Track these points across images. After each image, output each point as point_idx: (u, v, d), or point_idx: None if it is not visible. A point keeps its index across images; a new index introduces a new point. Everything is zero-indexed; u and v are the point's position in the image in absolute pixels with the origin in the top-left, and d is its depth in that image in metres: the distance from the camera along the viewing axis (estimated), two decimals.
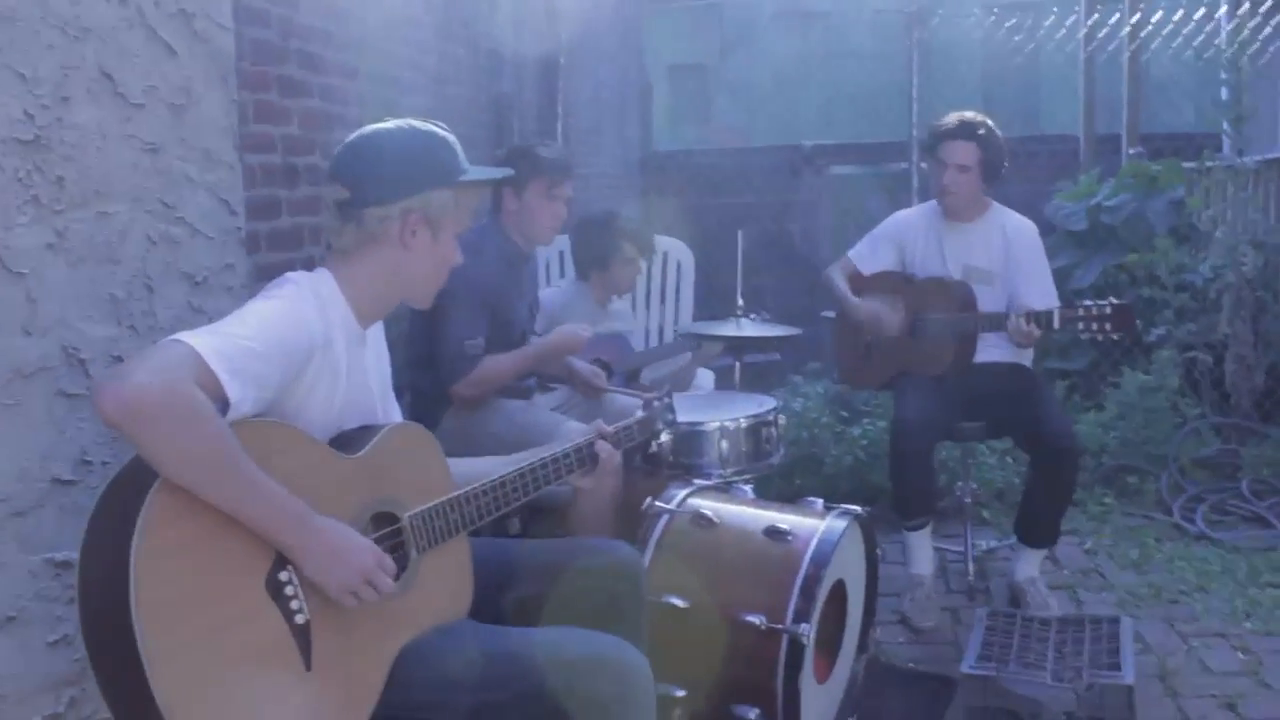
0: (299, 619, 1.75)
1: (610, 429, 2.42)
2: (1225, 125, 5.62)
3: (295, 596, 1.75)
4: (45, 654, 2.09)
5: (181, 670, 1.58)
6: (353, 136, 2.08)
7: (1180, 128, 8.86)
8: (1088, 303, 3.58)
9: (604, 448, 2.36)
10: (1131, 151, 7.00)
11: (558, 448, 2.31)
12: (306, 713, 1.75)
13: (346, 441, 1.97)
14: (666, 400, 2.65)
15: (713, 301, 5.06)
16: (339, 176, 2.04)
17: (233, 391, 1.70)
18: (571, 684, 1.91)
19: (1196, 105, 7.57)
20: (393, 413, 2.25)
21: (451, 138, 2.10)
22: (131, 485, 1.63)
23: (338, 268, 2.04)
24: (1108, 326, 3.49)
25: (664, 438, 2.63)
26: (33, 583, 2.06)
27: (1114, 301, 3.54)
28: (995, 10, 7.87)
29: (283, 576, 1.74)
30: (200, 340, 1.70)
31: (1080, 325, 3.53)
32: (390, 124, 2.08)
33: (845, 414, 5.24)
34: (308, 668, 1.76)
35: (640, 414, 2.56)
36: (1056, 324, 3.54)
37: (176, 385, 1.61)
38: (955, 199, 3.84)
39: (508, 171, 2.35)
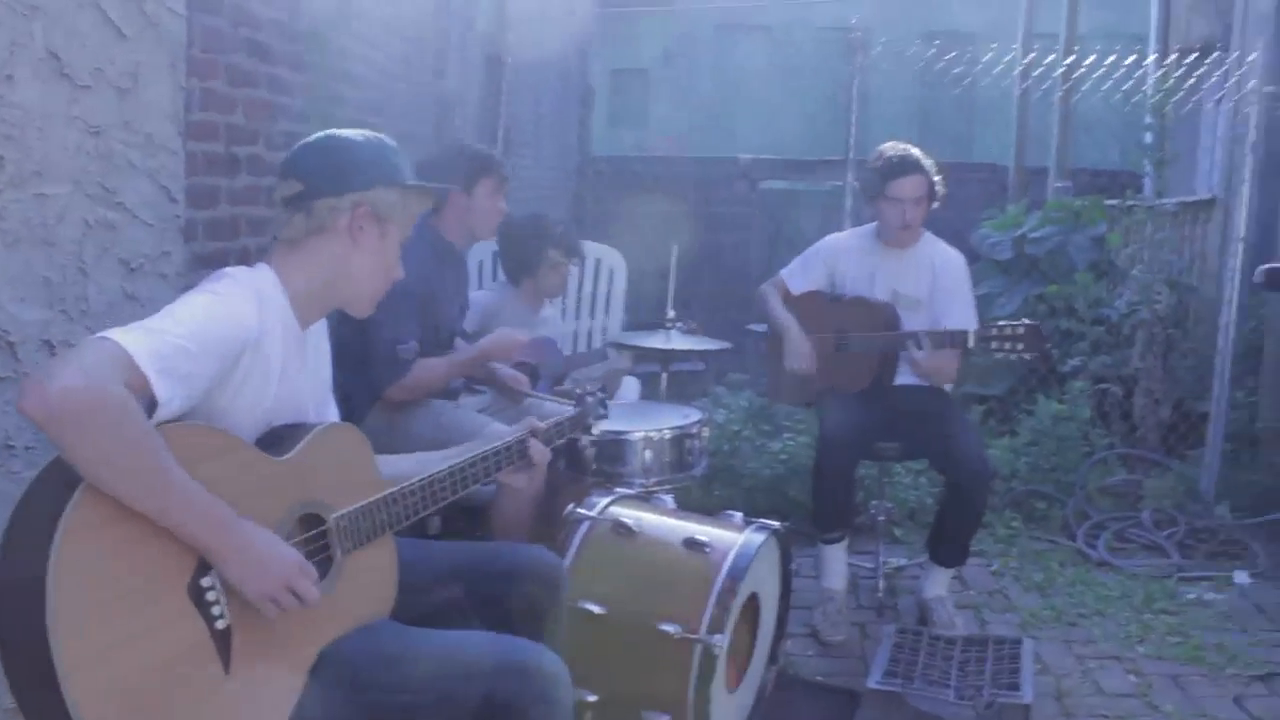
0: (220, 624, 1.75)
1: (542, 425, 2.45)
2: (1147, 167, 5.82)
3: (217, 602, 1.75)
4: None
5: (97, 676, 1.57)
6: (311, 137, 2.12)
7: (1106, 165, 9.13)
8: (1001, 322, 3.69)
9: (536, 446, 2.40)
10: (1058, 185, 7.20)
11: (488, 445, 2.33)
12: (224, 715, 1.75)
13: (276, 440, 1.97)
14: (599, 395, 2.69)
15: (642, 309, 5.12)
16: (294, 170, 2.07)
17: (161, 391, 1.69)
18: (490, 688, 1.95)
19: (1122, 146, 7.81)
20: (327, 413, 2.25)
21: (397, 146, 2.16)
22: (55, 486, 1.61)
23: (280, 263, 2.04)
24: (1020, 346, 3.62)
25: (595, 431, 2.67)
26: None
27: (1026, 322, 3.67)
28: (937, 40, 8.05)
29: (205, 582, 1.74)
30: (130, 338, 1.68)
31: (994, 344, 3.64)
32: (349, 130, 2.14)
33: (767, 428, 5.32)
34: (226, 670, 1.76)
35: (572, 410, 2.59)
36: (971, 343, 3.65)
37: (103, 387, 1.60)
38: (910, 233, 3.94)
39: (451, 187, 2.38)
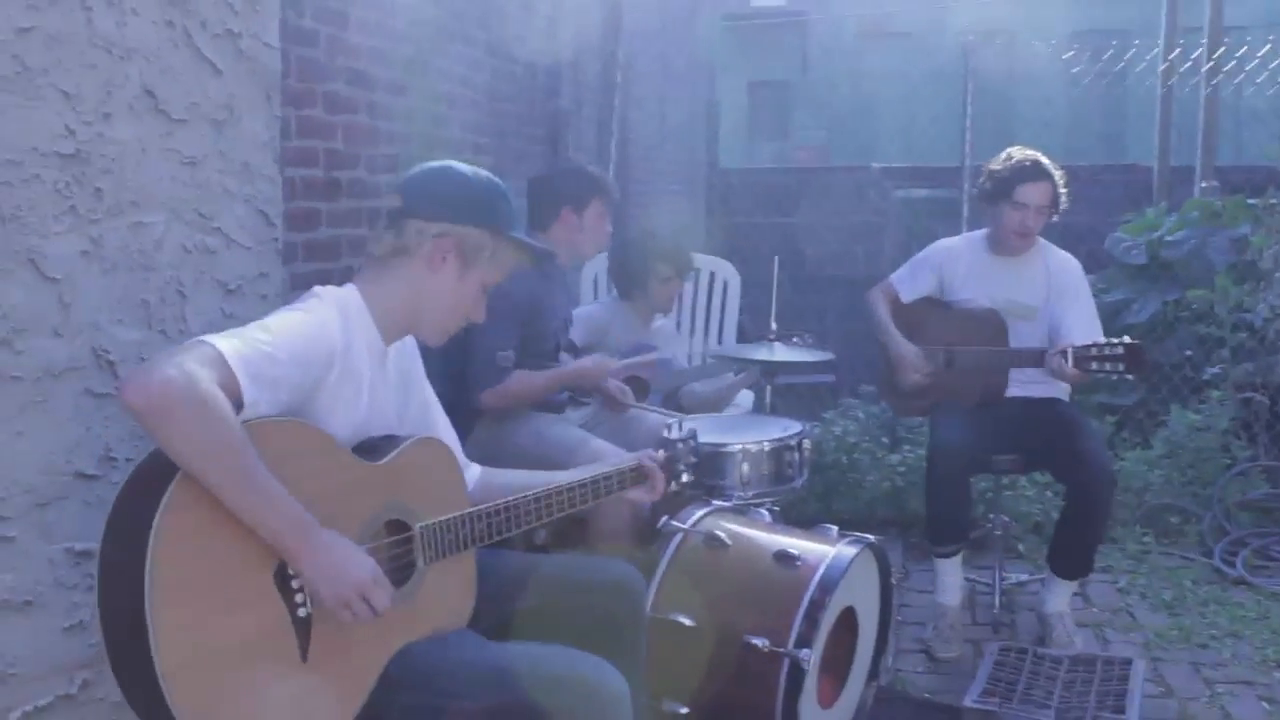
0: (301, 612, 1.84)
1: (649, 463, 2.48)
2: None
3: (301, 590, 1.83)
4: (60, 638, 2.21)
5: (184, 644, 1.67)
6: (433, 162, 2.21)
7: (1262, 161, 8.70)
8: (1100, 341, 3.54)
9: (650, 465, 2.46)
10: (1204, 185, 6.89)
11: (584, 474, 2.37)
12: (296, 702, 1.83)
13: (371, 448, 2.06)
14: (691, 443, 2.63)
15: (764, 322, 5.10)
16: (401, 186, 2.17)
17: (248, 393, 1.79)
18: (549, 700, 1.98)
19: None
20: (429, 425, 2.33)
21: (513, 202, 2.23)
22: (158, 469, 1.72)
23: (365, 282, 2.14)
24: (1120, 367, 3.47)
25: (685, 478, 2.63)
26: (51, 570, 2.18)
27: (1127, 340, 3.51)
28: (1077, 37, 7.82)
29: (291, 569, 1.83)
30: (223, 342, 1.80)
31: (1094, 365, 3.51)
32: (470, 166, 2.22)
33: (886, 440, 5.24)
34: (304, 659, 1.84)
35: (663, 454, 2.55)
36: (1070, 363, 3.53)
37: (197, 383, 1.70)
38: (1030, 240, 3.85)
39: (550, 251, 2.42)
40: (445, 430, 2.40)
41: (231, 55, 2.60)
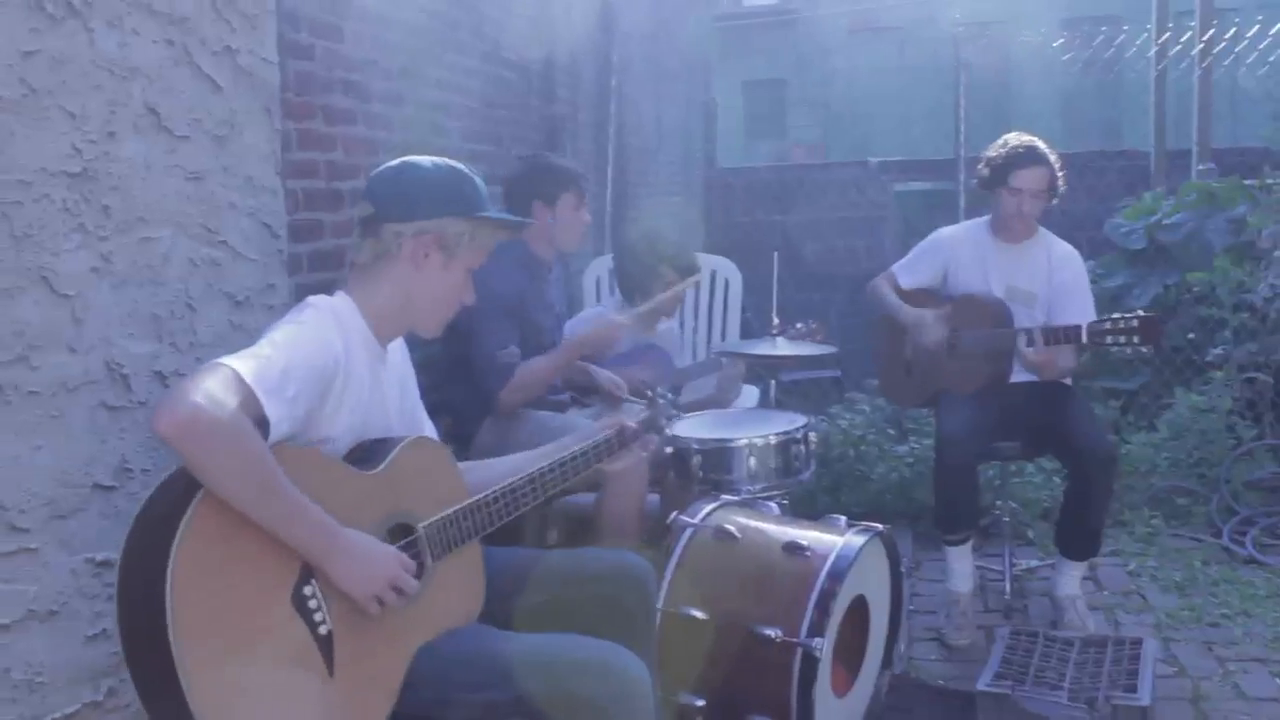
0: (322, 629, 1.87)
1: (632, 423, 2.52)
2: None
3: (319, 609, 1.87)
4: (85, 647, 2.25)
5: (215, 680, 1.70)
6: (391, 162, 2.23)
7: (1258, 143, 8.71)
8: (1115, 315, 3.57)
9: (629, 432, 2.48)
10: (1201, 168, 6.91)
11: (568, 449, 2.40)
12: (331, 716, 1.87)
13: (365, 455, 2.09)
14: (669, 397, 2.72)
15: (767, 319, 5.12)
16: (368, 194, 2.19)
17: (272, 412, 1.83)
18: (570, 687, 2.01)
19: (1275, 121, 7.44)
20: (418, 424, 2.36)
21: (478, 179, 2.23)
22: (171, 501, 1.75)
23: (355, 288, 2.17)
24: (1135, 339, 3.49)
25: (667, 431, 2.71)
26: (74, 580, 2.22)
27: (1141, 313, 3.53)
28: (1068, 25, 7.82)
29: (306, 591, 1.86)
30: (240, 364, 1.83)
31: (1109, 338, 3.52)
32: (427, 158, 2.23)
33: (893, 431, 5.27)
34: (331, 674, 1.88)
35: (644, 413, 2.63)
36: (1085, 338, 3.55)
37: (226, 408, 1.75)
38: (1028, 225, 3.88)
39: (528, 222, 2.44)
40: (430, 429, 2.43)
41: (230, 71, 2.64)
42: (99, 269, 2.26)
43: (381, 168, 2.22)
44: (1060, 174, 3.85)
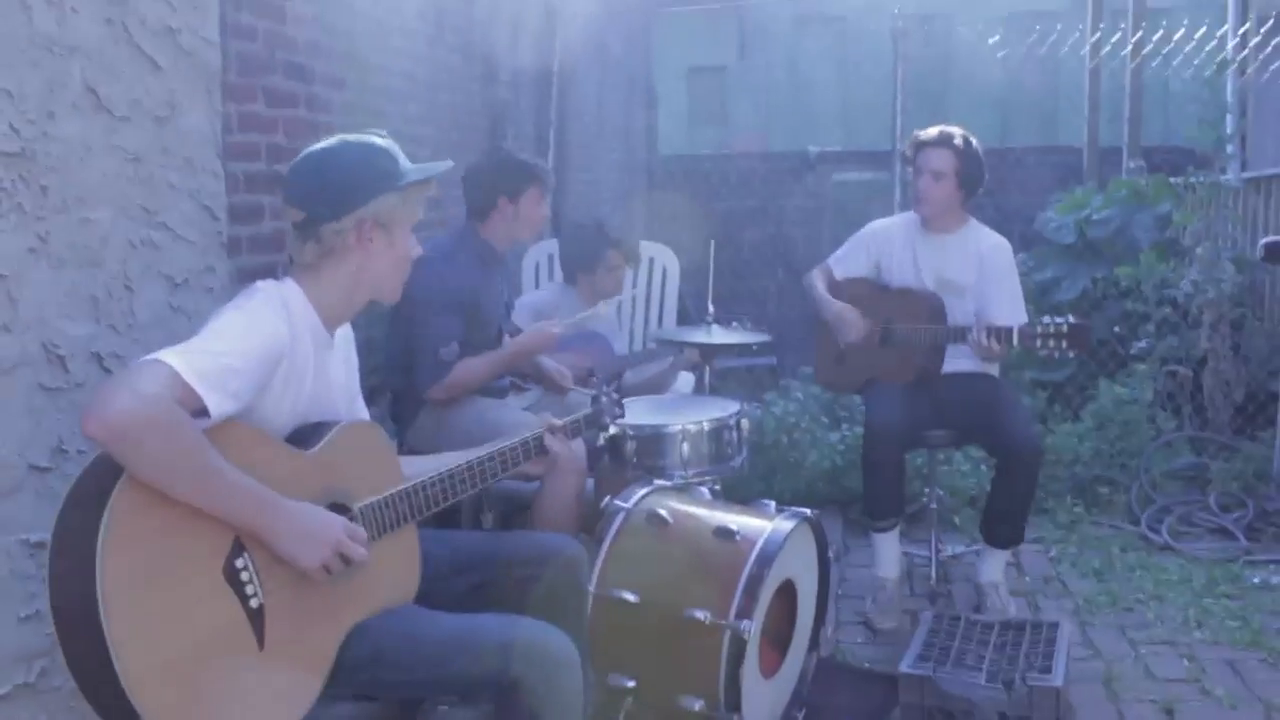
0: (253, 603, 1.90)
1: (559, 422, 2.57)
2: (1222, 141, 5.72)
3: (250, 582, 1.89)
4: (17, 628, 2.25)
5: (143, 650, 1.72)
6: (296, 160, 2.22)
7: (1185, 142, 8.91)
8: (1045, 320, 3.65)
9: (552, 441, 2.52)
10: (1131, 165, 7.07)
11: (505, 442, 2.46)
12: (260, 689, 1.89)
13: (303, 437, 2.12)
14: (614, 396, 2.80)
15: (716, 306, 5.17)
16: (292, 200, 2.19)
17: (211, 404, 1.85)
18: (501, 666, 2.07)
19: (1200, 121, 7.62)
20: (358, 411, 2.40)
21: (388, 143, 2.23)
22: (99, 478, 1.77)
23: (303, 279, 2.19)
24: (1064, 344, 3.58)
25: (611, 430, 2.82)
26: (7, 561, 2.22)
27: (1071, 320, 3.62)
28: (1011, 20, 7.93)
29: (239, 563, 1.88)
30: (179, 359, 1.84)
31: (1038, 342, 3.61)
32: (328, 142, 2.21)
33: (826, 419, 5.36)
34: (261, 647, 1.90)
35: (588, 409, 2.72)
36: (1015, 341, 3.64)
37: (153, 406, 1.76)
38: (930, 206, 3.94)
39: (448, 164, 2.45)
40: (365, 415, 2.45)
41: (171, 52, 2.63)
42: (36, 249, 2.25)
43: (295, 168, 2.20)
44: (979, 165, 3.90)
